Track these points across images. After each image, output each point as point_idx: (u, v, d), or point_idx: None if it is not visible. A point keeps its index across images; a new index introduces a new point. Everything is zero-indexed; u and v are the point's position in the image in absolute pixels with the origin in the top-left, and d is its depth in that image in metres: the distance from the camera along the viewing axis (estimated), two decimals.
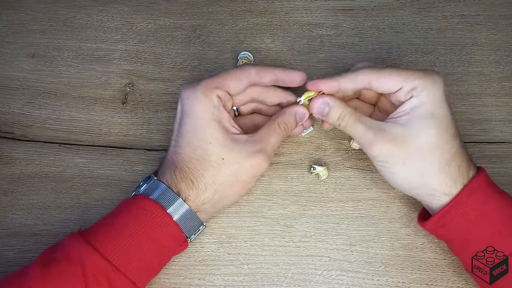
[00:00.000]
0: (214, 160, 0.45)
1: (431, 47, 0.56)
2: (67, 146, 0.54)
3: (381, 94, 0.49)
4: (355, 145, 0.52)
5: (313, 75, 0.55)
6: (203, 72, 0.56)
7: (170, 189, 0.45)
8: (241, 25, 0.58)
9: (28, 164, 0.54)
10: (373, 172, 0.52)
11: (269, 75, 0.47)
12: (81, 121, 0.55)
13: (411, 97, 0.44)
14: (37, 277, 0.41)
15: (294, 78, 0.48)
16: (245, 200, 0.52)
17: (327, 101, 0.46)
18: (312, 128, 0.53)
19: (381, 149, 0.44)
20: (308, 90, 0.47)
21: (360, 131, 0.45)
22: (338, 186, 0.52)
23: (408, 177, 0.45)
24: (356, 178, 0.52)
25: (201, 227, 0.47)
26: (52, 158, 0.54)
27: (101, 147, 0.54)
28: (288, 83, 0.48)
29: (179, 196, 0.44)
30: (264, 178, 0.52)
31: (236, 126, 0.47)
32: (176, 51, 0.57)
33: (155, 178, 0.46)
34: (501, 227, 0.43)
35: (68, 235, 0.44)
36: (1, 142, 0.54)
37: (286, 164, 0.53)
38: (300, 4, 0.59)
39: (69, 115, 0.55)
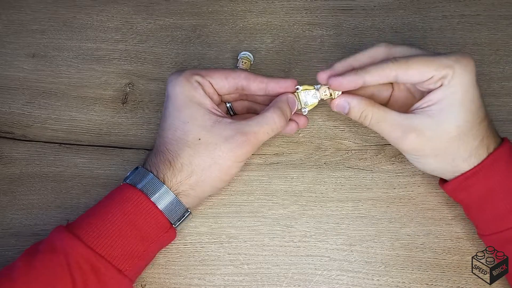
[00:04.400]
0: (191, 140, 0.45)
1: (431, 47, 0.56)
2: (67, 146, 0.54)
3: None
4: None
5: (313, 75, 0.55)
6: None
7: (154, 176, 0.45)
8: (241, 25, 0.58)
9: (28, 164, 0.54)
10: (373, 172, 0.52)
11: (258, 83, 0.47)
12: (81, 121, 0.55)
13: (441, 85, 0.43)
14: (21, 269, 0.41)
15: (286, 87, 0.47)
16: (245, 200, 0.52)
17: (347, 100, 0.45)
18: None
19: (410, 145, 0.44)
20: (307, 85, 0.47)
21: (387, 129, 0.45)
22: (338, 186, 0.52)
23: (439, 166, 0.46)
24: (356, 178, 0.52)
25: (186, 213, 0.46)
26: (52, 158, 0.54)
27: (101, 147, 0.54)
28: (280, 92, 0.48)
29: (158, 178, 0.44)
30: (264, 178, 0.53)
31: (219, 110, 0.47)
32: (176, 51, 0.57)
33: (141, 167, 0.46)
34: None
35: (55, 228, 0.44)
36: (1, 142, 0.54)
37: (286, 164, 0.53)
38: (300, 4, 0.59)
39: (69, 115, 0.55)
